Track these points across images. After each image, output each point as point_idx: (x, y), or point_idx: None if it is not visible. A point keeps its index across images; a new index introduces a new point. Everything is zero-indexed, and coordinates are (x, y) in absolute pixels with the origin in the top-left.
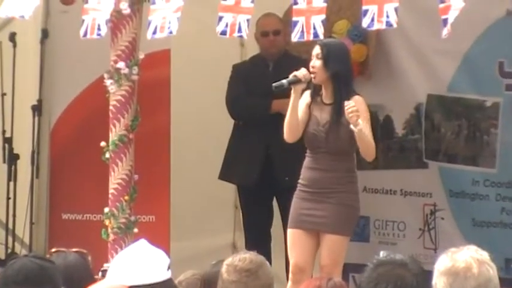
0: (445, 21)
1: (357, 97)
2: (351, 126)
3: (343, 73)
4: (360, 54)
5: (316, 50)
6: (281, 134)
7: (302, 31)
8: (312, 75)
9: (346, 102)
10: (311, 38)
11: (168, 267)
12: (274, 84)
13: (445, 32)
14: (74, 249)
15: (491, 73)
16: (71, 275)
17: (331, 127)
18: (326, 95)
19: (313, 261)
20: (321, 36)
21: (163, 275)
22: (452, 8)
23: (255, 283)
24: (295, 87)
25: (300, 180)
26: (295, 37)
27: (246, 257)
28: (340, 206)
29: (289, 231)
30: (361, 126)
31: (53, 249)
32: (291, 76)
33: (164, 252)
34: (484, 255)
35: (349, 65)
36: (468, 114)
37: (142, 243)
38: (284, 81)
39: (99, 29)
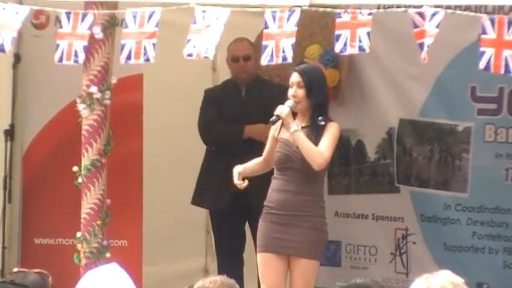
0: (422, 45)
1: (331, 123)
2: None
3: (325, 102)
4: (332, 79)
5: (296, 77)
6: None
7: (271, 54)
8: (295, 104)
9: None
10: (280, 61)
11: None
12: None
13: (423, 56)
14: (35, 270)
15: (463, 98)
16: None
17: None
18: (302, 119)
19: (284, 285)
20: (289, 60)
21: None
22: (427, 35)
23: None
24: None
25: (267, 203)
26: (264, 60)
27: (216, 279)
28: (312, 230)
29: (259, 255)
30: (295, 129)
31: (15, 269)
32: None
33: (136, 277)
34: (458, 279)
35: (328, 90)
36: (440, 138)
37: (115, 267)
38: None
39: (76, 55)
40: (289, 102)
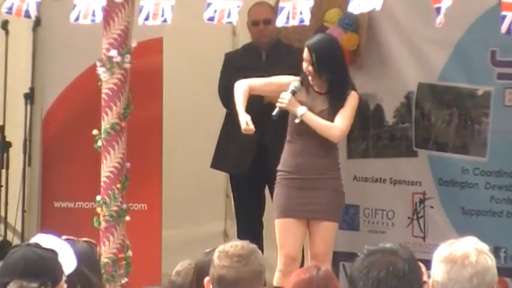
0: (439, 9)
1: (352, 93)
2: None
3: (336, 79)
4: (351, 43)
5: (305, 54)
6: (274, 123)
7: (288, 16)
8: (299, 85)
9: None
10: (296, 23)
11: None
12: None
13: (439, 20)
14: (83, 239)
15: (483, 62)
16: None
17: (330, 115)
18: (320, 86)
19: (301, 250)
20: (307, 22)
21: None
22: None
23: (246, 269)
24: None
25: (282, 168)
26: (280, 22)
27: (238, 243)
28: (332, 193)
29: (278, 221)
30: (302, 113)
31: (64, 237)
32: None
33: (155, 240)
34: (483, 246)
35: (342, 62)
36: (459, 103)
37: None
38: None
39: (93, 14)
40: (292, 86)
